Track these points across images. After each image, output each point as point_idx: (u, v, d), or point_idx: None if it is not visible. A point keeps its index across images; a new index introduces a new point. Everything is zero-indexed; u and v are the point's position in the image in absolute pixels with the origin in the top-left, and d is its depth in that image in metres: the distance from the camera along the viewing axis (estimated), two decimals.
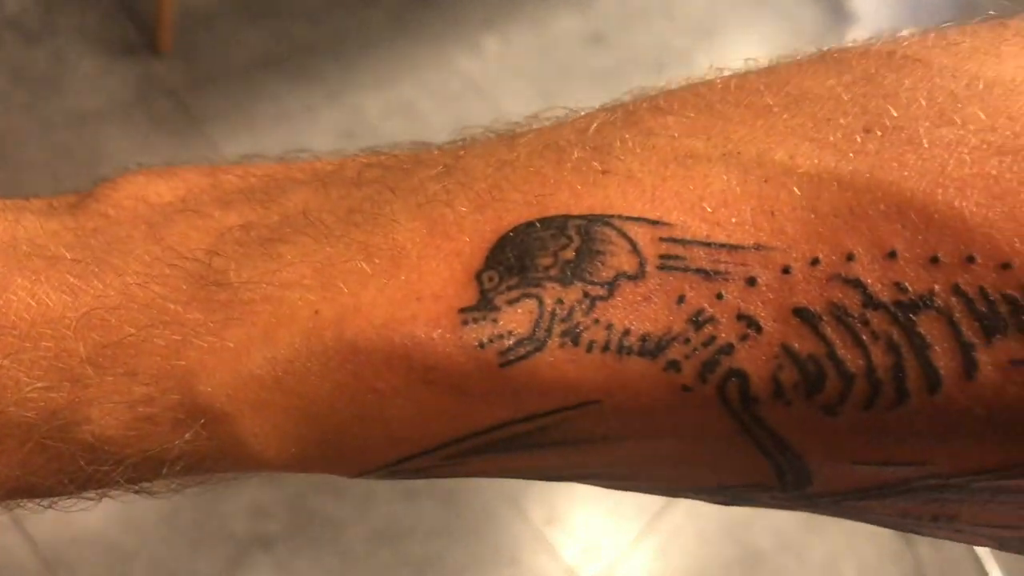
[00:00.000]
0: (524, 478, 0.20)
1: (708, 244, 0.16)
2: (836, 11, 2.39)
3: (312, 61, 1.66)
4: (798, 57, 0.19)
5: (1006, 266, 0.14)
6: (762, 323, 0.16)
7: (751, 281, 0.16)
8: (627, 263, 0.17)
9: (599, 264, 0.17)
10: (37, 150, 1.39)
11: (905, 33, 0.18)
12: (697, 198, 0.17)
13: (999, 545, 0.18)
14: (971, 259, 0.15)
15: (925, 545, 1.43)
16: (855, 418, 0.15)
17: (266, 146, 1.55)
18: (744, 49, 2.22)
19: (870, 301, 0.15)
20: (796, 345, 0.15)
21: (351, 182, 0.21)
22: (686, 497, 0.20)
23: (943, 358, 0.15)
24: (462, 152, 0.20)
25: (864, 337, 0.15)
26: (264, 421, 0.18)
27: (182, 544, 1.15)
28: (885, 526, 0.19)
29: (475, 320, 0.17)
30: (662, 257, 0.16)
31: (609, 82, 1.94)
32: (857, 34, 2.45)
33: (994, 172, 0.15)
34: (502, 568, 1.25)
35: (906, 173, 0.15)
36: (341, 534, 1.20)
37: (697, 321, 0.16)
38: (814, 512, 0.19)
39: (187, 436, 0.19)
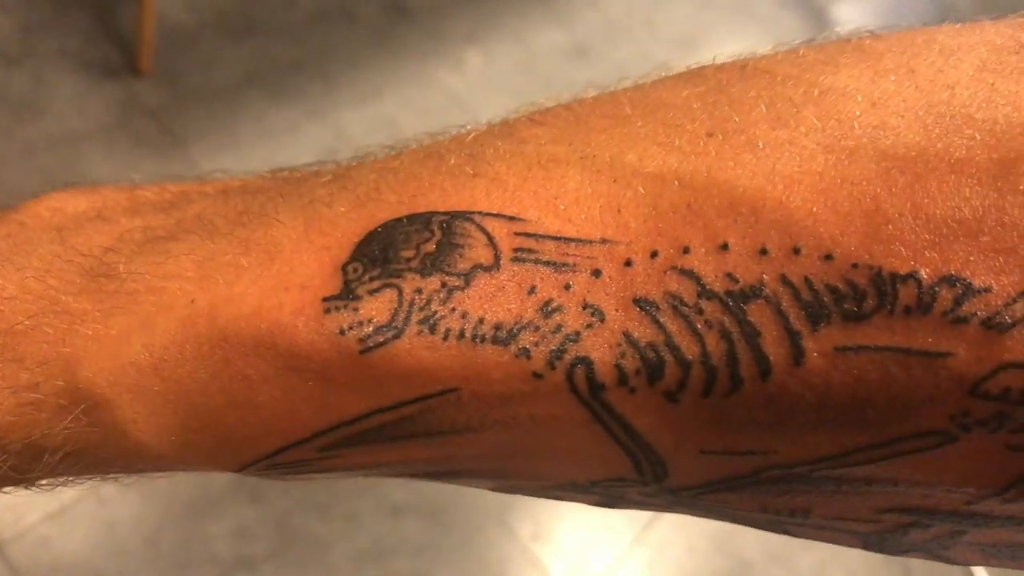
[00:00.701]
0: (400, 475, 0.20)
1: (558, 238, 0.17)
2: (818, 19, 2.40)
3: (294, 79, 1.66)
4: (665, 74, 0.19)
5: (828, 257, 0.15)
6: (606, 312, 0.16)
7: (596, 273, 0.17)
8: (483, 255, 0.17)
9: (457, 256, 0.18)
10: (19, 173, 1.39)
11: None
12: (552, 196, 0.18)
13: (863, 544, 0.19)
14: (797, 250, 0.15)
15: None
16: (696, 405, 0.16)
17: (249, 164, 1.55)
18: (726, 59, 2.22)
19: (704, 291, 0.16)
20: (636, 333, 0.16)
21: (251, 191, 0.22)
22: (561, 498, 0.20)
23: (772, 345, 0.15)
24: (355, 163, 0.22)
25: (699, 325, 0.16)
26: (142, 407, 0.19)
27: (166, 567, 1.15)
28: (755, 525, 0.19)
29: (336, 308, 0.18)
30: (516, 250, 0.17)
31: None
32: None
33: (819, 169, 0.16)
34: None
35: (740, 171, 0.16)
36: (327, 554, 1.19)
37: (546, 310, 0.17)
38: (681, 510, 0.19)
39: (68, 421, 0.19)
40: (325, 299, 0.18)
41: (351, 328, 0.18)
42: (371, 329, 0.18)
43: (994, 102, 0.15)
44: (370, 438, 0.19)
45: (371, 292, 0.18)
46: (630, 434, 0.17)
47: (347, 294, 0.18)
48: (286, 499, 1.20)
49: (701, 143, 0.17)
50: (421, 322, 0.17)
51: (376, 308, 0.18)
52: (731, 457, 0.17)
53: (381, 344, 0.17)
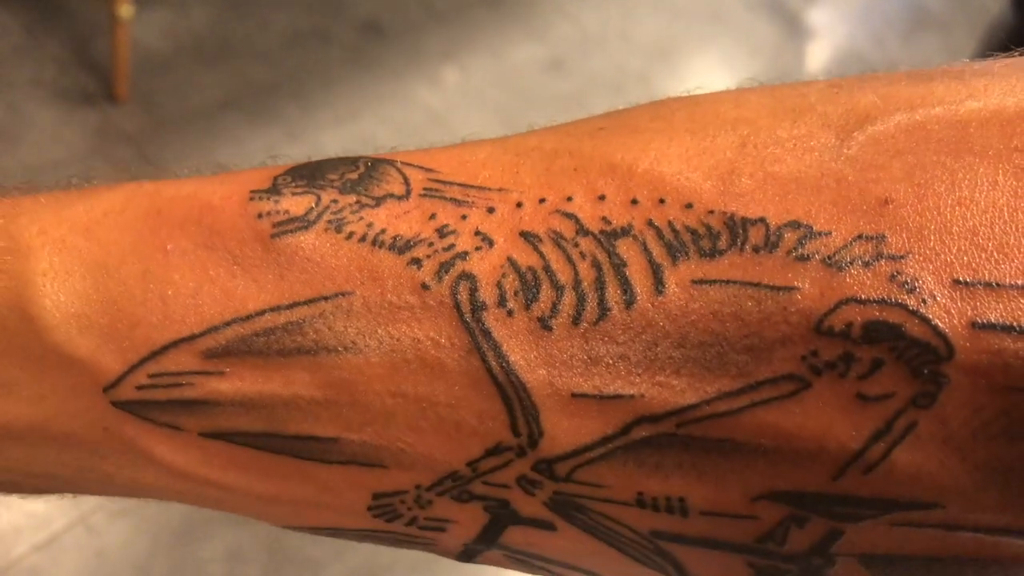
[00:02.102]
0: (274, 426, 0.20)
1: (463, 185, 0.20)
2: (792, 27, 2.43)
3: (271, 102, 1.66)
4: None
5: (689, 206, 0.18)
6: (494, 240, 0.19)
7: (491, 210, 0.19)
8: (396, 188, 0.20)
9: (374, 185, 0.20)
10: None
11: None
12: (464, 159, 0.20)
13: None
14: (662, 201, 0.18)
15: None
16: (567, 335, 0.17)
17: None
18: (701, 68, 2.24)
19: (581, 229, 0.18)
20: (519, 258, 0.18)
21: None
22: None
23: (637, 275, 0.17)
24: None
25: (574, 256, 0.18)
26: (59, 261, 0.20)
27: None
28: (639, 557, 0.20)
29: (260, 198, 0.20)
30: (425, 188, 0.20)
31: (570, 107, 1.95)
32: (815, 49, 2.49)
33: (686, 145, 0.19)
34: None
35: (620, 147, 0.19)
36: (320, 575, 1.18)
37: (442, 231, 0.19)
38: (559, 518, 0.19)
39: None
40: (252, 191, 0.20)
41: (268, 215, 0.20)
42: (285, 217, 0.19)
43: (834, 99, 0.19)
44: (258, 346, 0.19)
45: (293, 193, 0.20)
46: (506, 369, 0.18)
47: (272, 191, 0.20)
48: None
49: (592, 132, 0.20)
50: (330, 222, 0.19)
51: (294, 204, 0.20)
52: (602, 404, 0.17)
53: (290, 231, 0.19)
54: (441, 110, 1.80)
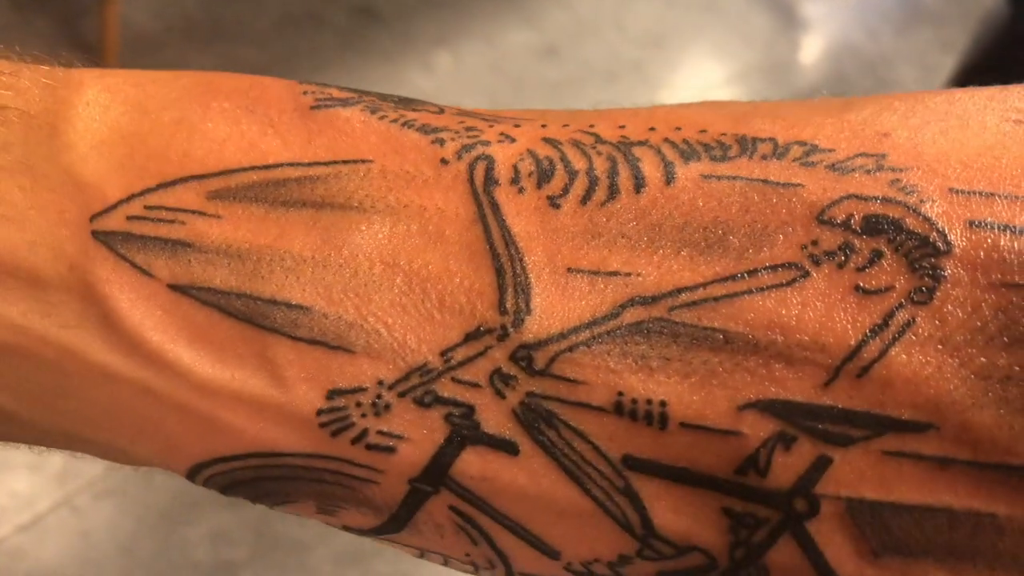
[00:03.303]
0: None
1: (494, 117, 0.20)
2: (787, 18, 2.42)
3: None
4: None
5: (703, 131, 0.18)
6: (517, 139, 0.19)
7: (517, 125, 0.20)
8: (433, 108, 0.21)
9: (414, 106, 0.21)
10: None
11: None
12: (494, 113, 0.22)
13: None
14: (679, 128, 0.19)
15: None
16: (573, 214, 0.18)
17: None
18: (695, 57, 2.24)
19: (600, 139, 0.19)
20: (538, 150, 0.19)
21: None
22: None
23: (649, 168, 0.18)
24: None
25: (591, 152, 0.18)
26: (104, 98, 0.20)
27: (144, 575, 1.13)
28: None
29: (311, 85, 0.21)
30: (459, 111, 0.21)
31: (563, 94, 1.94)
32: (809, 41, 2.48)
33: (701, 107, 0.20)
34: None
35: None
36: (307, 557, 1.18)
37: (470, 128, 0.19)
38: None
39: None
40: (301, 82, 0.21)
41: (312, 93, 0.20)
42: (326, 96, 0.20)
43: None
44: (264, 195, 0.19)
45: (340, 90, 0.20)
46: (506, 237, 0.18)
47: (322, 86, 0.21)
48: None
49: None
50: (366, 107, 0.20)
51: (339, 92, 0.20)
52: (596, 281, 0.17)
53: (329, 106, 0.20)
54: (433, 95, 1.78)
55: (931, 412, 0.15)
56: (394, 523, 0.19)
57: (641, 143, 0.18)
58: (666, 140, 0.18)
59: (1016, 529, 0.15)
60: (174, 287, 0.18)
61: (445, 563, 0.19)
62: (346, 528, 0.20)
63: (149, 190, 0.19)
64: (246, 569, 1.16)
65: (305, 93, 0.20)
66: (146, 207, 0.19)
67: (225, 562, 1.16)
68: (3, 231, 0.18)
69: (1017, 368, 0.15)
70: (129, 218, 0.18)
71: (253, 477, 0.19)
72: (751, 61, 2.30)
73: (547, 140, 0.19)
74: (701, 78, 2.19)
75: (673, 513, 0.17)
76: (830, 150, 0.17)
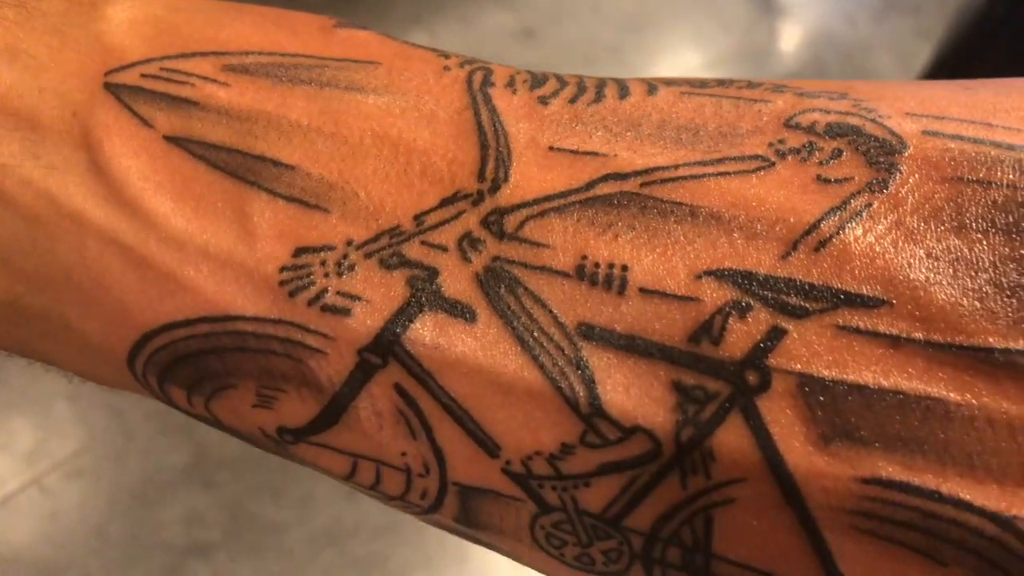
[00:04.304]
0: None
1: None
2: (765, 5, 2.43)
3: None
4: None
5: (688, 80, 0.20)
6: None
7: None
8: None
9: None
10: None
11: None
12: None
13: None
14: (669, 83, 0.20)
15: None
16: (561, 109, 0.18)
17: None
18: (673, 42, 2.23)
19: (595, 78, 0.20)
20: (536, 75, 0.20)
21: None
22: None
23: (634, 84, 0.19)
24: None
25: (583, 76, 0.20)
26: None
27: (115, 556, 1.11)
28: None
29: (341, 21, 0.23)
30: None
31: None
32: (787, 27, 2.49)
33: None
34: (449, 566, 1.23)
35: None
36: (282, 537, 1.17)
37: (473, 62, 0.20)
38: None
39: None
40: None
41: (337, 23, 0.21)
42: (349, 22, 0.21)
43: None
44: (275, 72, 0.19)
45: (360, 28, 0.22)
46: (494, 118, 0.18)
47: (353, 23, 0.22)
48: (238, 483, 1.17)
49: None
50: (385, 33, 0.21)
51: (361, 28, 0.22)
52: (575, 159, 0.18)
53: (350, 26, 0.21)
54: None
55: (885, 288, 0.15)
56: (333, 409, 0.18)
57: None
58: (652, 78, 0.20)
59: (964, 418, 0.15)
60: (169, 138, 0.18)
61: (375, 481, 0.18)
62: (280, 434, 0.18)
63: (168, 57, 0.19)
64: (220, 550, 1.15)
65: (330, 22, 0.21)
66: (162, 69, 0.19)
67: (199, 543, 1.15)
68: (17, 76, 0.18)
69: (966, 250, 0.15)
70: (143, 75, 0.19)
71: (197, 350, 0.18)
72: (729, 47, 2.30)
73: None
74: (679, 63, 2.19)
75: (622, 389, 0.16)
76: (798, 87, 0.19)
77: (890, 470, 0.15)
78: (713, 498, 0.16)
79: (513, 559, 0.19)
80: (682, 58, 2.19)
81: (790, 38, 2.44)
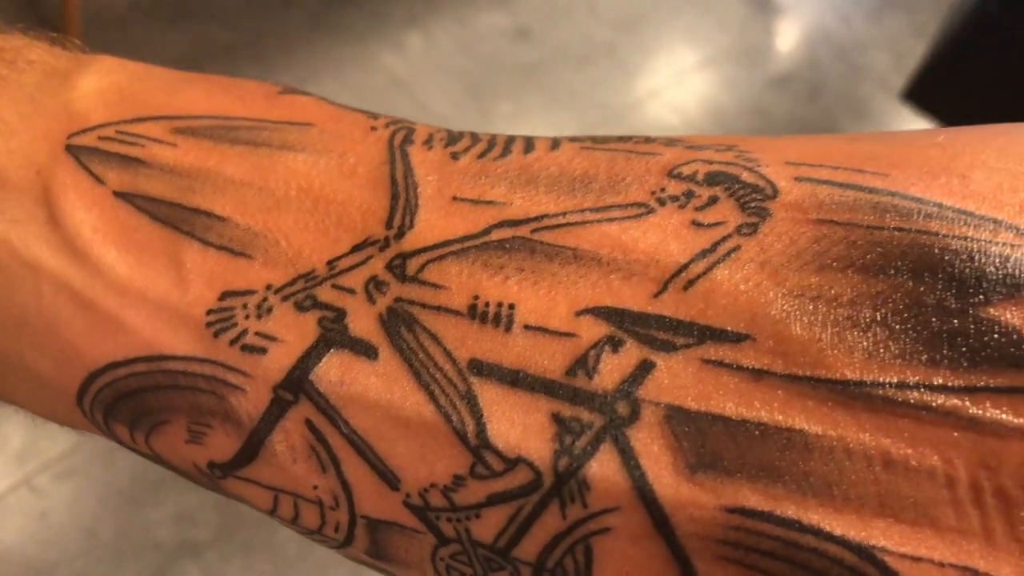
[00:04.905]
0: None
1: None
2: (761, 3, 2.43)
3: (229, 63, 1.63)
4: None
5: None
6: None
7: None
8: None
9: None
10: None
11: None
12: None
13: None
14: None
15: None
16: (469, 163, 0.20)
17: None
18: (668, 41, 2.23)
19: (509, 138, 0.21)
20: (453, 134, 0.21)
21: None
22: None
23: (540, 141, 0.20)
24: None
25: (496, 135, 0.21)
26: (109, 66, 0.23)
27: (105, 556, 1.12)
28: None
29: (285, 87, 0.24)
30: (392, 122, 0.22)
31: (535, 76, 1.94)
32: (782, 26, 2.49)
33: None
34: None
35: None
36: (272, 537, 1.17)
37: (398, 122, 0.22)
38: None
39: None
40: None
41: (285, 87, 0.23)
42: (293, 88, 0.23)
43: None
44: (217, 134, 0.21)
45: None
46: (407, 171, 0.20)
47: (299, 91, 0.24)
48: None
49: None
50: (325, 99, 0.23)
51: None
52: (475, 208, 0.19)
53: (293, 92, 0.23)
54: (404, 76, 1.78)
55: (748, 324, 0.16)
56: (251, 444, 0.19)
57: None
58: (561, 136, 0.21)
59: (823, 449, 0.15)
60: (118, 193, 0.20)
61: (295, 515, 0.19)
62: (211, 470, 0.20)
63: (124, 121, 0.21)
64: (210, 549, 1.15)
65: (278, 89, 0.23)
66: (118, 131, 0.21)
67: (188, 542, 1.15)
68: None
69: (826, 288, 0.16)
70: (100, 138, 0.21)
71: (136, 387, 0.19)
72: (724, 45, 2.30)
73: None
74: (674, 62, 2.19)
75: (508, 421, 0.17)
76: (693, 142, 0.20)
77: (753, 500, 0.15)
78: (591, 527, 0.16)
79: None
80: (677, 56, 2.19)
81: (785, 36, 2.44)
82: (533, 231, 0.18)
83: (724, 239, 0.17)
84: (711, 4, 2.33)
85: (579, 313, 0.17)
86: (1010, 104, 1.49)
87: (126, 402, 0.20)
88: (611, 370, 0.17)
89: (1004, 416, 0.14)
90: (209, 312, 0.19)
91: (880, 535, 0.15)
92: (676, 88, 2.12)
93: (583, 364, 0.17)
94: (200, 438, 0.19)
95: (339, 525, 0.19)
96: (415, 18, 1.89)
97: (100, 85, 0.22)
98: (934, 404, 0.15)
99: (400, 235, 0.19)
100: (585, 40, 2.08)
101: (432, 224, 0.19)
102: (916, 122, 2.09)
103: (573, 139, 0.20)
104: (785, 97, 2.24)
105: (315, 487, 0.19)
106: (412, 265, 0.19)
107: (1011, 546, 0.14)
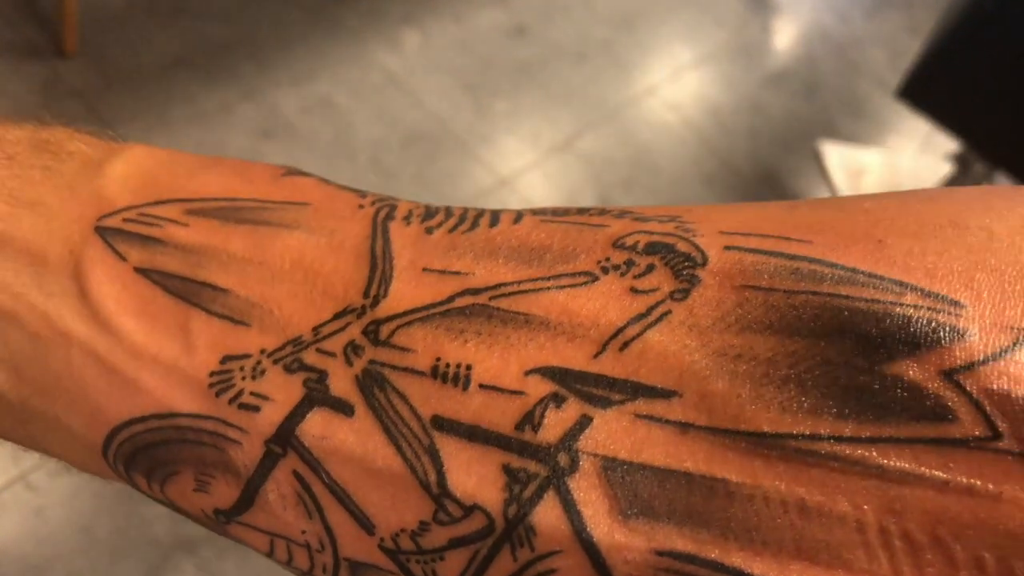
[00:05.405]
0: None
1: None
2: (758, 0, 2.43)
3: (226, 60, 1.63)
4: None
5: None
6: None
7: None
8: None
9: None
10: None
11: None
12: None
13: None
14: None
15: None
16: (441, 236, 0.22)
17: (180, 146, 1.52)
18: (665, 38, 2.23)
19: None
20: (431, 209, 0.23)
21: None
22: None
23: (505, 215, 0.22)
24: None
25: (468, 209, 0.23)
26: (137, 152, 0.25)
27: (102, 553, 1.12)
28: None
29: (290, 169, 0.26)
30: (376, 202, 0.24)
31: (532, 74, 1.94)
32: (780, 23, 2.49)
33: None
34: None
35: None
36: None
37: (383, 200, 0.24)
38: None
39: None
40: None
41: (288, 170, 0.25)
42: (295, 169, 0.25)
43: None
44: (224, 214, 0.23)
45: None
46: (386, 245, 0.22)
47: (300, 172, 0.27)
48: None
49: None
50: (323, 179, 0.25)
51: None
52: (441, 278, 0.21)
53: (295, 174, 0.25)
54: (400, 73, 1.78)
55: (676, 381, 0.18)
56: (248, 492, 0.21)
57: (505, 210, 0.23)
58: (526, 209, 0.23)
59: (744, 496, 0.17)
60: (138, 269, 0.23)
61: (289, 557, 0.21)
62: (216, 516, 0.22)
63: (147, 204, 0.24)
64: (206, 545, 1.16)
65: (281, 171, 0.25)
66: (140, 214, 0.24)
67: (184, 538, 1.16)
68: (34, 222, 0.23)
69: (746, 347, 0.18)
70: (125, 219, 0.23)
71: (150, 442, 0.22)
72: (721, 42, 2.30)
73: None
74: (671, 59, 2.19)
75: (465, 472, 0.19)
76: (641, 214, 0.21)
77: (680, 543, 0.17)
78: (539, 568, 0.18)
79: None
80: (674, 54, 2.19)
81: (782, 34, 2.44)
82: (491, 298, 0.20)
83: (658, 304, 0.19)
84: (708, 1, 2.33)
85: (528, 372, 0.19)
86: (1004, 102, 1.49)
87: (143, 454, 0.22)
88: (554, 424, 0.18)
89: (907, 465, 0.16)
90: (212, 374, 0.21)
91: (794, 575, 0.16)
92: (673, 85, 2.12)
93: (530, 419, 0.19)
94: (206, 487, 0.22)
95: (326, 566, 0.21)
96: (412, 15, 1.89)
97: (127, 172, 0.24)
98: (843, 454, 0.16)
99: (375, 303, 0.21)
100: (582, 37, 2.09)
101: (403, 293, 0.21)
102: (912, 119, 2.09)
103: (535, 212, 0.22)
104: (782, 94, 2.24)
105: (303, 531, 0.21)
106: (384, 330, 0.21)
107: None
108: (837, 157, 2.10)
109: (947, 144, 1.96)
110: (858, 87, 2.35)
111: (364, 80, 1.73)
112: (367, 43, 1.79)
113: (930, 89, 1.59)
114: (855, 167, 2.09)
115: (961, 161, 1.86)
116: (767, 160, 2.05)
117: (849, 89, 2.34)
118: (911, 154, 2.23)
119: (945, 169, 2.01)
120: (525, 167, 1.76)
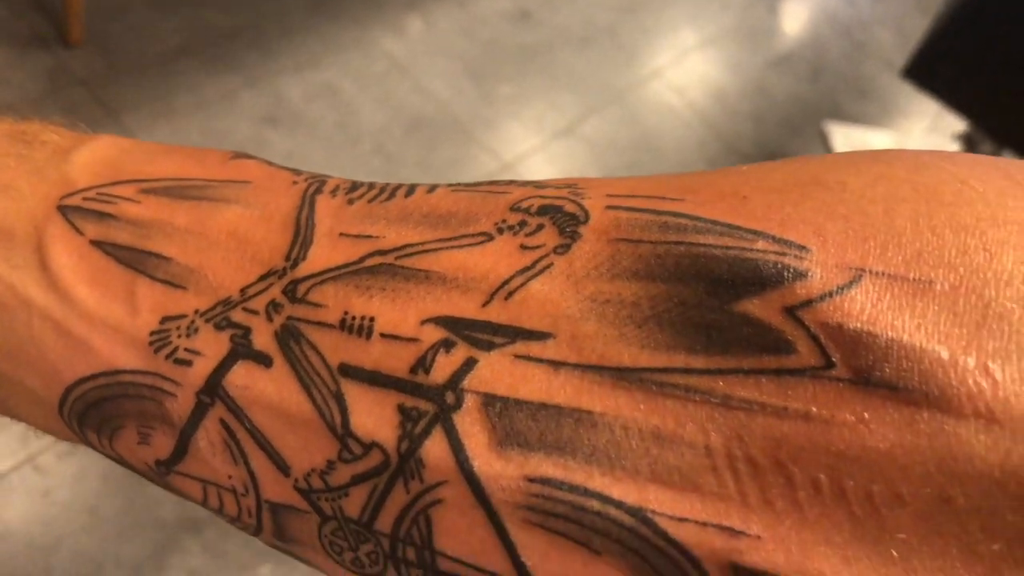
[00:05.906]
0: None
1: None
2: None
3: (230, 48, 1.64)
4: None
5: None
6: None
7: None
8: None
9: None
10: None
11: None
12: None
13: None
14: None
15: None
16: (360, 207, 0.24)
17: (185, 134, 1.53)
18: (670, 22, 2.23)
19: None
20: (356, 184, 0.25)
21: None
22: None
23: (420, 187, 0.24)
24: None
25: (392, 184, 0.25)
26: (103, 143, 0.27)
27: (108, 533, 1.14)
28: None
29: (237, 153, 0.28)
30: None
31: (536, 59, 1.94)
32: (786, 6, 2.47)
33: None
34: None
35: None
36: None
37: (316, 177, 0.26)
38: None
39: None
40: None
41: (236, 153, 0.27)
42: (242, 153, 0.27)
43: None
44: (174, 192, 0.25)
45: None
46: (311, 218, 0.24)
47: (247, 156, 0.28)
48: None
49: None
50: (267, 161, 0.27)
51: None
52: (355, 241, 0.23)
53: (241, 157, 0.27)
54: (404, 58, 1.78)
55: (551, 324, 0.20)
56: (182, 442, 0.23)
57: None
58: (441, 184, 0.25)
59: (607, 425, 0.18)
60: (93, 242, 0.25)
61: (220, 504, 0.23)
62: (157, 467, 0.23)
63: (104, 184, 0.26)
64: (211, 526, 1.17)
65: (231, 155, 0.27)
66: (98, 193, 0.26)
67: (189, 519, 1.17)
68: (6, 204, 0.26)
69: (615, 293, 0.19)
70: (84, 198, 0.26)
71: (99, 398, 0.24)
72: (727, 25, 2.29)
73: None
74: (676, 42, 2.18)
75: (366, 413, 0.20)
76: (541, 183, 0.23)
77: (549, 470, 0.18)
78: (428, 499, 0.20)
79: (320, 571, 0.23)
80: (679, 37, 2.19)
81: (789, 15, 2.43)
82: (397, 258, 0.22)
83: (542, 258, 0.21)
84: None
85: (423, 322, 0.21)
86: (1011, 81, 1.48)
87: (93, 410, 0.24)
88: (443, 367, 0.20)
89: (750, 394, 0.17)
90: (151, 333, 0.23)
91: (652, 499, 0.18)
92: (678, 68, 2.11)
93: (423, 363, 0.20)
94: (147, 439, 0.23)
95: (251, 510, 0.22)
96: (415, 1, 1.89)
97: (92, 158, 0.27)
98: (693, 385, 0.18)
99: (295, 265, 0.23)
100: (586, 21, 2.08)
101: (320, 256, 0.23)
102: (919, 100, 2.07)
103: (450, 185, 0.24)
104: (787, 77, 2.23)
105: (230, 476, 0.22)
106: (301, 289, 0.22)
107: (763, 507, 0.17)
108: (844, 139, 2.10)
109: (955, 124, 1.95)
110: (865, 68, 2.34)
111: (368, 66, 1.73)
112: (370, 29, 1.79)
113: (936, 69, 1.58)
114: (862, 148, 2.08)
115: (968, 141, 1.85)
116: (773, 143, 2.04)
117: (856, 71, 2.33)
118: (919, 135, 2.22)
119: (953, 149, 2.00)
120: (529, 152, 1.76)
